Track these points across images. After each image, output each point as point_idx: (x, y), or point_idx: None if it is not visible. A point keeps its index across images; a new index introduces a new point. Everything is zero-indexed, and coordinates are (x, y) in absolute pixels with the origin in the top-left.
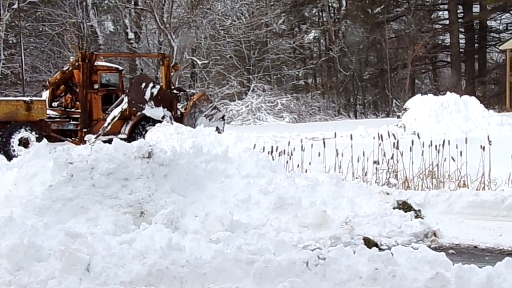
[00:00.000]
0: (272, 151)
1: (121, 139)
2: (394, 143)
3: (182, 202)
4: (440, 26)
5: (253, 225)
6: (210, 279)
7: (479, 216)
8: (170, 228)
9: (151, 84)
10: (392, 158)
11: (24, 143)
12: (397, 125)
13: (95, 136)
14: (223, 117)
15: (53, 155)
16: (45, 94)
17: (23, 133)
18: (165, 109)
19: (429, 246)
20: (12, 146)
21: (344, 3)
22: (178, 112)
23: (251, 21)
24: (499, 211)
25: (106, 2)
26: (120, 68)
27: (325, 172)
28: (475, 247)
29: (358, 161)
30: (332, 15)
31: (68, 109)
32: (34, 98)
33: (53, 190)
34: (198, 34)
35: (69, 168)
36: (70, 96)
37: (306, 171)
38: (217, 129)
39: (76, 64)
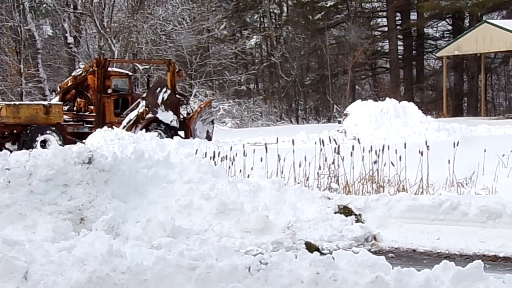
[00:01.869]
0: (214, 157)
1: None
2: (335, 148)
3: (123, 208)
4: (379, 33)
5: (195, 231)
6: (152, 286)
7: (418, 220)
8: (111, 234)
9: (164, 89)
10: (333, 163)
11: (45, 145)
12: (338, 130)
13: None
14: (212, 121)
15: None
16: (55, 99)
17: (45, 136)
18: (172, 112)
19: (369, 250)
20: (36, 148)
21: (285, 9)
22: (181, 117)
23: (193, 26)
24: (437, 215)
25: (44, 5)
26: (130, 73)
27: (267, 177)
28: (414, 250)
29: (300, 166)
30: (274, 21)
31: (82, 113)
32: (52, 103)
33: None
34: (139, 39)
35: (6, 174)
36: (83, 100)
37: (248, 176)
38: (207, 132)
39: (91, 69)
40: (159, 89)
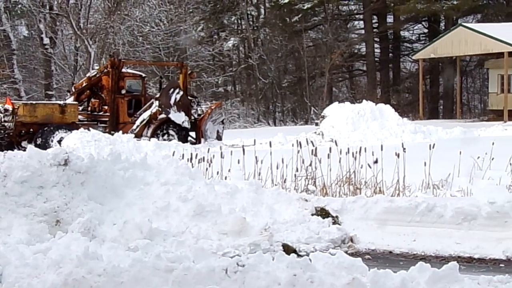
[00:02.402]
0: (191, 158)
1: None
2: (312, 150)
3: (100, 210)
4: (356, 36)
5: (172, 233)
6: None
7: (394, 221)
8: (87, 236)
9: (177, 90)
10: (310, 165)
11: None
12: (315, 132)
13: None
14: (222, 121)
15: None
16: (70, 99)
17: (61, 134)
18: (184, 113)
19: (346, 252)
20: (52, 147)
21: (262, 11)
22: (192, 118)
23: (170, 28)
24: (413, 217)
25: (19, 6)
26: (143, 75)
27: (245, 179)
28: (390, 252)
29: (277, 168)
30: (251, 23)
31: (96, 113)
32: (67, 102)
33: None
34: (116, 40)
35: None
36: (98, 100)
37: (225, 178)
38: (217, 132)
39: (105, 70)
40: (172, 90)
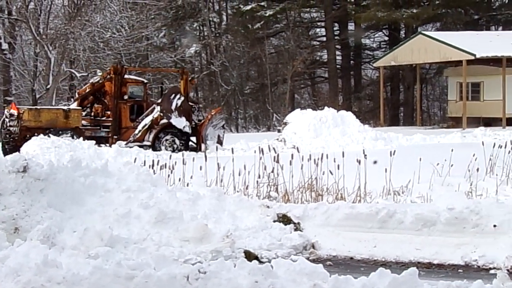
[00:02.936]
0: (153, 165)
1: (146, 146)
2: (274, 156)
3: (60, 217)
4: (318, 43)
5: (133, 240)
6: None
7: (355, 228)
8: (47, 244)
9: (178, 95)
10: (272, 171)
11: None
12: (277, 139)
13: (125, 142)
14: (223, 126)
15: None
16: (73, 104)
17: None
18: (185, 118)
19: (307, 258)
20: None
21: (224, 18)
22: (193, 123)
23: (131, 34)
24: (374, 223)
25: None
26: (145, 81)
27: (207, 186)
28: (351, 258)
29: (239, 175)
30: (213, 29)
31: (99, 118)
32: (71, 107)
33: None
34: (77, 46)
35: None
36: (100, 106)
37: (187, 185)
38: (219, 137)
39: (108, 76)
40: (173, 95)
